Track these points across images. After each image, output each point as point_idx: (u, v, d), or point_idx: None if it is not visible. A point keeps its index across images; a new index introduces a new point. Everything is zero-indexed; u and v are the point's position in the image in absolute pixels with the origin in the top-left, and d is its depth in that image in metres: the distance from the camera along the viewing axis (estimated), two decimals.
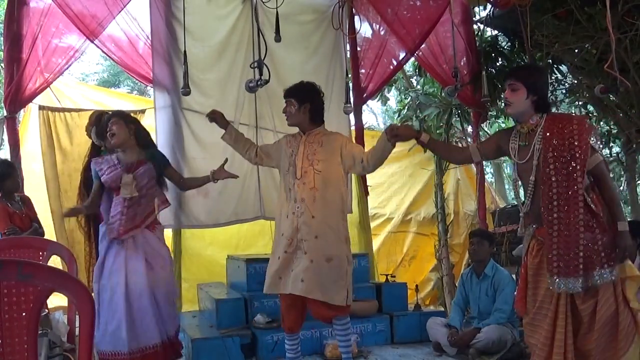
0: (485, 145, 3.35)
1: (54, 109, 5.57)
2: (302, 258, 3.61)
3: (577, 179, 2.79)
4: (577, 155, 2.80)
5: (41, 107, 5.37)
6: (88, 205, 4.01)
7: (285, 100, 3.81)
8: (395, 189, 8.12)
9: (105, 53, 5.31)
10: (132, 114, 4.77)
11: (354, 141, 6.05)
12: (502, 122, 8.80)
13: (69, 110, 5.70)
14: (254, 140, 5.62)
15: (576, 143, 2.81)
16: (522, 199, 3.07)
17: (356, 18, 6.32)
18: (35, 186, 5.42)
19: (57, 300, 5.18)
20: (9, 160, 4.77)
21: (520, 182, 3.09)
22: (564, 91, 6.58)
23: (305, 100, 3.81)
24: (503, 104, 3.01)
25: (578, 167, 2.79)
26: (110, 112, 4.62)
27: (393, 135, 3.52)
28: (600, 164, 2.90)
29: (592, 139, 2.86)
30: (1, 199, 4.55)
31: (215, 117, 4.05)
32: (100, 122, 4.76)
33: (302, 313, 3.76)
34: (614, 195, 2.95)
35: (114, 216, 3.88)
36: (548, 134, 2.89)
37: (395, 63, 6.15)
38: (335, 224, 3.69)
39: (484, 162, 7.12)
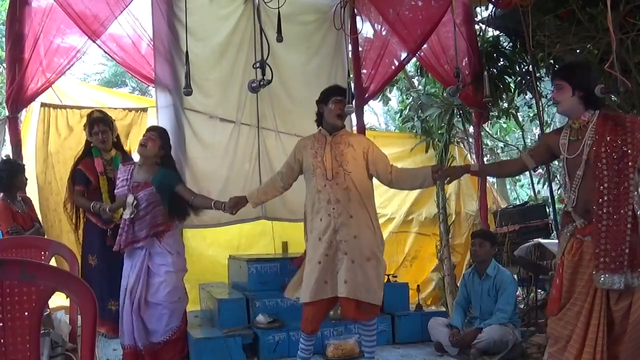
0: (536, 150, 3.41)
1: (55, 106, 5.58)
2: (343, 259, 3.61)
3: (628, 175, 2.83)
4: (629, 152, 2.84)
5: (43, 105, 5.37)
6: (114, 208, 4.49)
7: (342, 99, 3.80)
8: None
9: (107, 53, 5.31)
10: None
11: None
12: (504, 123, 8.79)
13: (71, 107, 5.71)
14: (255, 140, 5.65)
15: (629, 140, 2.85)
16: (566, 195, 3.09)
17: (358, 18, 6.30)
18: (35, 186, 5.44)
19: (58, 300, 5.19)
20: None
21: (567, 179, 3.09)
22: None
23: (352, 100, 3.90)
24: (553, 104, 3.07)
25: (630, 164, 2.83)
26: (100, 113, 5.06)
27: (445, 176, 3.61)
28: None
29: None
30: (4, 199, 4.57)
31: (237, 208, 4.01)
32: (88, 118, 5.01)
33: (326, 314, 3.79)
34: None
35: (121, 228, 4.15)
36: (600, 130, 2.93)
37: (397, 63, 6.14)
38: (372, 223, 3.74)
39: (485, 162, 7.13)
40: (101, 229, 4.88)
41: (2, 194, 4.61)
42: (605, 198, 2.83)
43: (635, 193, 2.88)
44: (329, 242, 3.63)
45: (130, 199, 4.13)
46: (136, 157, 4.62)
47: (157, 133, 4.29)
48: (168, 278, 4.17)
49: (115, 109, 5.91)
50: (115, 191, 4.32)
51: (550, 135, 3.30)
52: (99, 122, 4.96)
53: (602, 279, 2.81)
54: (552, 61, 5.87)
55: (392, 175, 3.75)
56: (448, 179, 3.67)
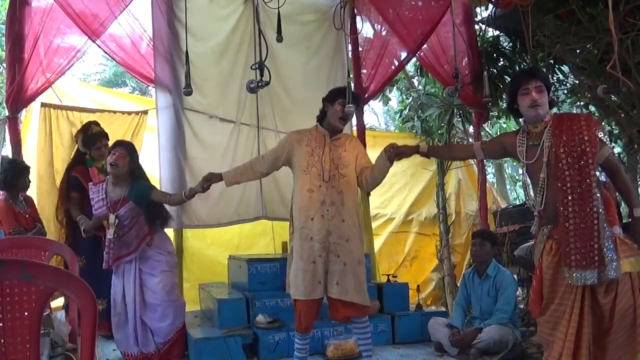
0: (490, 145, 3.43)
1: (56, 106, 5.57)
2: (335, 261, 3.64)
3: (589, 173, 2.84)
4: (588, 150, 2.85)
5: (43, 105, 5.37)
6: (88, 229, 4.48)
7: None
8: (396, 189, 8.11)
9: (107, 53, 5.31)
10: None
11: None
12: (504, 123, 8.79)
13: (71, 108, 5.71)
14: (256, 140, 5.65)
15: (586, 138, 2.87)
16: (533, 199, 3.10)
17: (358, 18, 6.31)
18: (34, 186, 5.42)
19: (59, 299, 5.19)
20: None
21: (530, 183, 3.12)
22: (565, 91, 6.57)
23: (358, 106, 3.91)
24: (530, 106, 2.99)
25: (590, 161, 2.85)
26: (99, 127, 5.12)
27: (397, 154, 3.60)
28: (610, 155, 2.97)
29: (599, 133, 2.94)
30: (6, 199, 4.57)
31: (209, 183, 3.96)
32: (87, 131, 5.06)
33: (318, 313, 3.81)
34: (628, 184, 3.02)
35: (107, 245, 4.20)
36: (557, 131, 2.94)
37: (396, 63, 6.15)
38: (358, 228, 3.79)
39: (485, 162, 7.13)
40: (94, 235, 4.85)
41: (4, 194, 4.61)
42: (570, 197, 2.86)
43: (602, 188, 2.92)
44: (322, 243, 3.64)
45: (111, 218, 4.15)
46: None
47: (124, 149, 4.24)
48: (164, 277, 4.26)
49: (115, 112, 5.88)
50: (94, 211, 4.31)
51: (508, 137, 3.29)
52: (101, 137, 5.05)
53: (575, 275, 2.84)
54: (552, 61, 5.87)
55: (364, 179, 3.78)
56: (400, 155, 3.64)
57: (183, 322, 4.43)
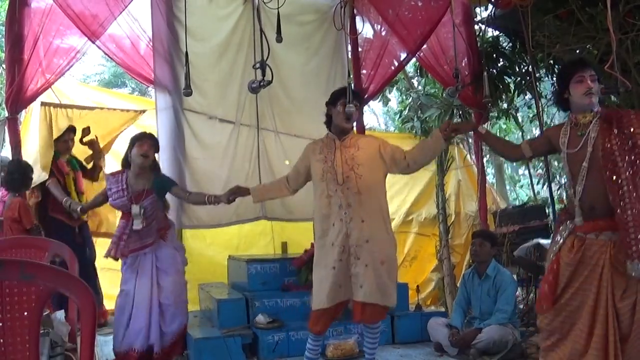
0: (537, 140, 3.45)
1: (56, 105, 5.58)
2: (356, 264, 3.58)
3: None
4: (639, 143, 2.85)
5: (43, 104, 5.38)
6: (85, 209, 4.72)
7: (355, 105, 3.75)
8: (396, 189, 8.10)
9: (107, 54, 5.31)
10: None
11: None
12: (503, 123, 8.79)
13: (71, 106, 5.72)
14: (255, 141, 5.65)
15: (637, 131, 2.87)
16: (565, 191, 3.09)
17: (357, 19, 6.31)
18: None
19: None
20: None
21: (567, 175, 3.10)
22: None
23: (361, 102, 3.88)
24: (585, 93, 3.00)
25: None
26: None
27: (453, 130, 3.56)
28: None
29: None
30: (23, 198, 4.64)
31: (235, 196, 4.05)
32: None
33: (336, 317, 3.76)
34: None
35: (119, 235, 4.26)
36: (606, 124, 2.96)
37: (396, 64, 6.14)
38: (384, 227, 3.69)
39: (484, 162, 7.13)
40: (69, 226, 5.12)
41: (19, 194, 4.66)
42: (625, 188, 2.83)
43: None
44: (341, 247, 3.60)
45: (135, 209, 4.20)
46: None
47: (152, 141, 4.36)
48: (178, 278, 4.34)
49: (114, 110, 5.91)
50: (111, 201, 4.36)
51: (552, 129, 3.32)
52: (68, 131, 5.34)
53: (637, 267, 2.77)
54: (551, 61, 5.87)
55: (407, 160, 3.68)
56: (457, 131, 3.65)
57: (187, 320, 4.46)
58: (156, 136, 4.57)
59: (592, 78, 3.05)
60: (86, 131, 5.44)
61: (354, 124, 3.96)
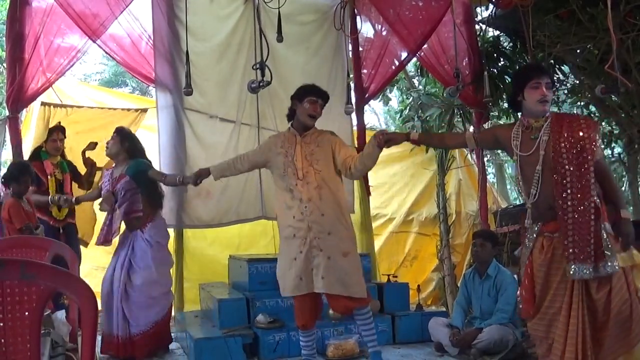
0: (483, 135, 3.47)
1: (56, 105, 5.58)
2: (318, 256, 3.65)
3: (589, 169, 2.91)
4: (587, 147, 2.93)
5: (43, 104, 5.38)
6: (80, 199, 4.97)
7: (317, 100, 3.83)
8: (397, 189, 8.11)
9: (108, 53, 5.33)
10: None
11: (355, 142, 6.05)
12: (504, 123, 8.78)
13: (71, 106, 5.72)
14: (256, 140, 5.65)
15: (585, 135, 2.94)
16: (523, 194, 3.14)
17: (358, 18, 6.31)
18: None
19: None
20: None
21: (521, 177, 3.14)
22: (565, 91, 6.58)
23: (326, 101, 3.90)
24: (539, 100, 3.04)
25: (589, 158, 2.92)
26: (58, 122, 5.36)
27: (386, 140, 3.60)
28: (602, 159, 3.06)
29: (597, 135, 3.01)
30: (14, 196, 4.60)
31: (201, 178, 4.13)
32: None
33: (316, 309, 3.82)
34: (616, 186, 3.11)
35: (105, 222, 4.52)
36: (557, 127, 3.00)
37: (397, 63, 6.14)
38: (344, 220, 3.77)
39: (485, 162, 7.12)
40: (54, 227, 5.08)
41: (9, 192, 4.64)
42: (569, 191, 2.91)
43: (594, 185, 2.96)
44: (303, 239, 3.67)
45: (106, 194, 4.50)
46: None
47: (115, 133, 4.61)
48: (147, 274, 4.36)
49: (115, 109, 5.91)
50: (102, 192, 4.60)
51: (502, 129, 3.35)
52: (57, 131, 5.25)
53: (572, 269, 2.88)
54: (552, 61, 5.87)
55: (352, 168, 3.75)
56: (390, 142, 3.64)
57: (158, 321, 4.43)
58: (122, 128, 4.72)
59: (547, 85, 3.07)
60: (92, 145, 5.34)
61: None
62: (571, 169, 2.91)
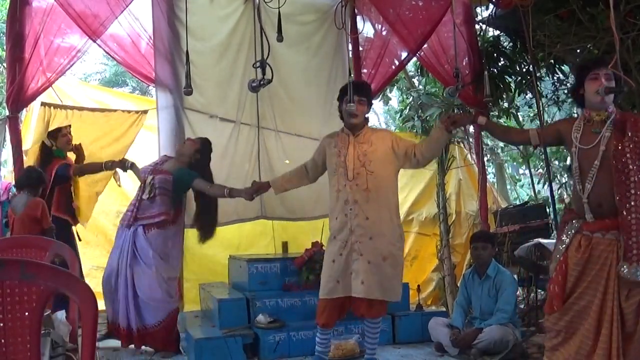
0: (546, 130, 3.43)
1: (56, 106, 5.58)
2: (358, 260, 3.61)
3: None
4: None
5: (43, 104, 5.38)
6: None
7: (359, 100, 3.79)
8: None
9: (108, 53, 5.33)
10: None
11: None
12: (504, 122, 8.77)
13: (71, 107, 5.71)
14: (256, 140, 5.66)
15: None
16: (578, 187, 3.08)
17: (358, 18, 6.32)
18: None
19: None
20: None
21: (578, 170, 3.09)
22: (566, 91, 6.57)
23: (371, 101, 3.93)
24: (597, 93, 3.03)
25: None
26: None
27: (452, 122, 3.59)
28: None
29: None
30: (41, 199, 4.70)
31: (258, 192, 4.19)
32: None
33: (342, 311, 3.79)
34: None
35: (131, 203, 4.54)
36: (620, 125, 2.99)
37: (397, 63, 6.15)
38: (389, 224, 3.72)
39: (485, 162, 7.12)
40: (70, 227, 5.17)
41: (25, 193, 4.71)
42: (633, 191, 2.86)
43: None
44: (343, 241, 3.65)
45: (149, 179, 4.47)
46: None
47: (199, 139, 4.72)
48: (147, 270, 4.33)
49: (115, 110, 5.89)
50: (141, 171, 4.66)
51: (563, 123, 3.34)
52: (67, 126, 5.30)
53: (634, 270, 2.81)
54: (552, 61, 5.87)
55: (417, 155, 3.72)
56: (456, 124, 3.68)
57: (160, 322, 4.39)
58: (207, 141, 4.76)
59: (607, 76, 3.06)
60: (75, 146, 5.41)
61: (366, 117, 3.96)
62: (634, 168, 2.87)
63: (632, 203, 2.85)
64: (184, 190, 4.54)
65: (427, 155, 3.75)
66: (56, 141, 5.21)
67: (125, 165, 4.87)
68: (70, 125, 5.33)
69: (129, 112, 5.86)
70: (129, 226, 4.41)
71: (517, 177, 13.31)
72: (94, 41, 4.87)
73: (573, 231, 3.07)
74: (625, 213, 2.86)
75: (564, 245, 3.09)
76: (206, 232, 4.67)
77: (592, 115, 3.10)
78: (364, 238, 3.61)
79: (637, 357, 2.87)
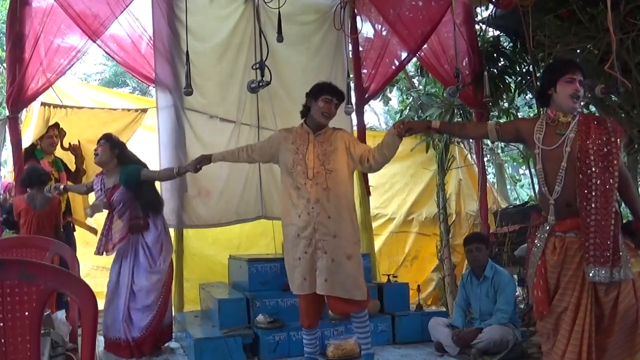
0: (505, 127, 3.38)
1: (56, 106, 5.59)
2: (323, 257, 3.63)
3: (613, 173, 2.90)
4: (614, 151, 2.91)
5: (43, 104, 5.38)
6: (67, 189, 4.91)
7: (332, 100, 3.77)
8: (397, 189, 8.11)
9: (108, 53, 5.33)
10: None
11: None
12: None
13: (71, 107, 5.72)
14: (255, 140, 5.65)
15: (612, 139, 2.93)
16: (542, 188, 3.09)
17: (358, 18, 6.31)
18: None
19: None
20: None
21: (542, 171, 3.09)
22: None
23: (342, 101, 3.87)
24: (571, 95, 3.02)
25: (615, 162, 2.91)
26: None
27: (407, 129, 3.57)
28: (622, 165, 3.03)
29: (621, 141, 2.99)
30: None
31: (201, 164, 4.08)
32: None
33: (320, 309, 3.83)
34: (635, 193, 3.10)
35: (103, 232, 4.42)
36: (584, 127, 2.99)
37: (397, 63, 6.15)
38: (350, 224, 3.73)
39: (485, 162, 7.12)
40: (69, 223, 5.26)
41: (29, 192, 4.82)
42: (594, 193, 2.88)
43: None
44: (308, 239, 3.65)
45: (102, 204, 4.42)
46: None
47: (103, 139, 4.45)
48: (146, 275, 4.34)
49: (115, 109, 5.91)
50: (96, 201, 4.56)
51: (524, 122, 3.33)
52: (52, 127, 5.32)
53: (592, 272, 2.86)
54: (552, 61, 5.87)
55: (371, 159, 3.72)
56: (410, 131, 3.63)
57: (152, 323, 4.37)
58: (111, 135, 4.55)
59: (581, 82, 3.06)
60: (72, 146, 5.46)
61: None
62: (597, 171, 2.89)
63: (592, 205, 2.88)
64: (140, 186, 4.36)
65: (380, 161, 3.73)
66: (41, 141, 5.27)
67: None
68: (57, 125, 5.35)
69: (128, 110, 5.88)
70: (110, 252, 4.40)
71: (517, 177, 13.32)
72: (94, 41, 4.88)
73: (546, 234, 3.08)
74: (584, 214, 2.90)
75: (540, 250, 3.10)
76: (155, 208, 4.52)
77: (558, 116, 3.08)
78: (328, 236, 3.63)
79: (616, 349, 2.90)
